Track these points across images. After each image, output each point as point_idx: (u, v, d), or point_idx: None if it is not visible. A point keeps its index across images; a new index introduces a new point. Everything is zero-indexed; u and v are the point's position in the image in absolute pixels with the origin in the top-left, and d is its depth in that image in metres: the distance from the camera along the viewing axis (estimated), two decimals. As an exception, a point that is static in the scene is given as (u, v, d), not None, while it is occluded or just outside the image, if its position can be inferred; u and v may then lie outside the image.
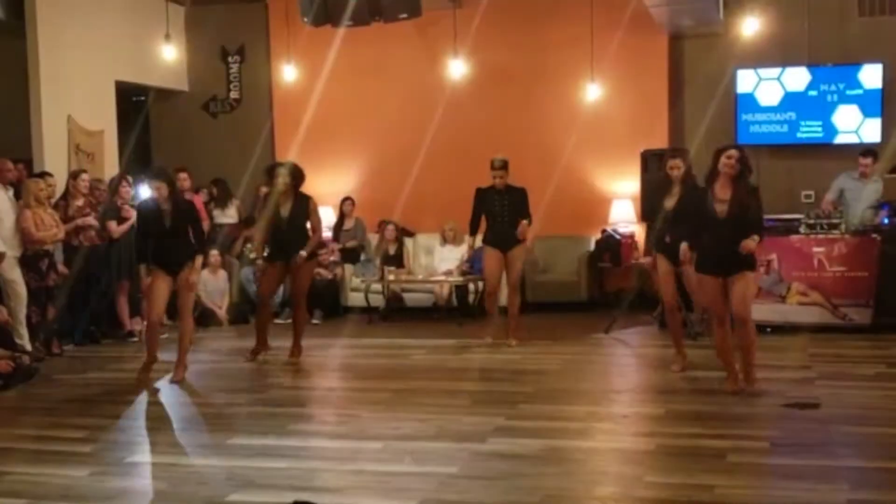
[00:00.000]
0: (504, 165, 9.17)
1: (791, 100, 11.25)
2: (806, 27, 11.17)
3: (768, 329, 9.47)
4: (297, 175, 8.65)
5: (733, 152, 6.91)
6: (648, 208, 8.50)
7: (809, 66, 11.18)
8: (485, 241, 9.23)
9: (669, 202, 7.72)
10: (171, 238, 7.84)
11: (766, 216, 9.91)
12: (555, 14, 11.74)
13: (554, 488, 5.02)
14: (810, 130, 11.25)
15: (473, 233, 9.32)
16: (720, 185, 6.88)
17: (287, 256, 8.52)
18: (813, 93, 11.20)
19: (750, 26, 10.73)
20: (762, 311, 9.51)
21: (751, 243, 6.76)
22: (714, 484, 4.98)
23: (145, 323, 10.29)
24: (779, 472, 5.22)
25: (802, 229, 9.55)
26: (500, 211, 9.16)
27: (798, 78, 11.21)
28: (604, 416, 6.59)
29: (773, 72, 11.27)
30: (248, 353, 8.85)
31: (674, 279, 7.85)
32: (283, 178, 8.52)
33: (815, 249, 9.41)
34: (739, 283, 6.85)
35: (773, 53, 11.15)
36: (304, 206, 8.60)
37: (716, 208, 6.85)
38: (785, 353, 8.62)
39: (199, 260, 7.99)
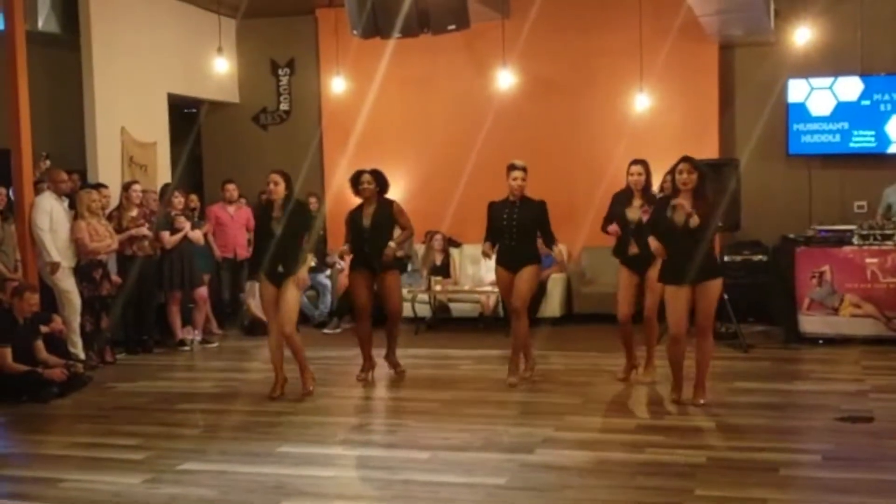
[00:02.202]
0: (524, 168, 8.03)
1: (843, 109, 11.11)
2: (858, 36, 11.03)
3: (820, 341, 9.37)
4: (383, 181, 8.42)
5: (683, 166, 6.95)
6: (608, 217, 8.08)
7: (862, 75, 11.04)
8: (496, 259, 8.15)
9: (632, 213, 7.82)
10: (278, 245, 7.56)
11: (820, 227, 9.92)
12: (603, 24, 11.70)
13: (603, 501, 5.01)
14: (863, 140, 11.10)
15: (492, 246, 8.21)
16: (680, 199, 6.93)
17: (371, 265, 8.26)
18: (866, 102, 11.04)
19: (801, 35, 10.62)
20: (814, 323, 9.44)
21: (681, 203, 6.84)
22: (766, 498, 4.94)
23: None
24: (832, 486, 5.15)
25: (855, 240, 9.42)
26: (507, 226, 7.99)
27: (850, 87, 11.07)
28: (652, 429, 6.54)
29: (826, 81, 11.14)
30: (358, 373, 8.51)
31: (633, 291, 7.94)
32: (368, 185, 8.30)
33: (869, 261, 9.28)
34: (704, 298, 6.88)
35: (825, 63, 11.02)
36: (388, 211, 8.33)
37: (675, 219, 6.87)
38: (838, 365, 8.52)
39: (304, 270, 7.68)
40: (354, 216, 8.36)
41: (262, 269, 7.68)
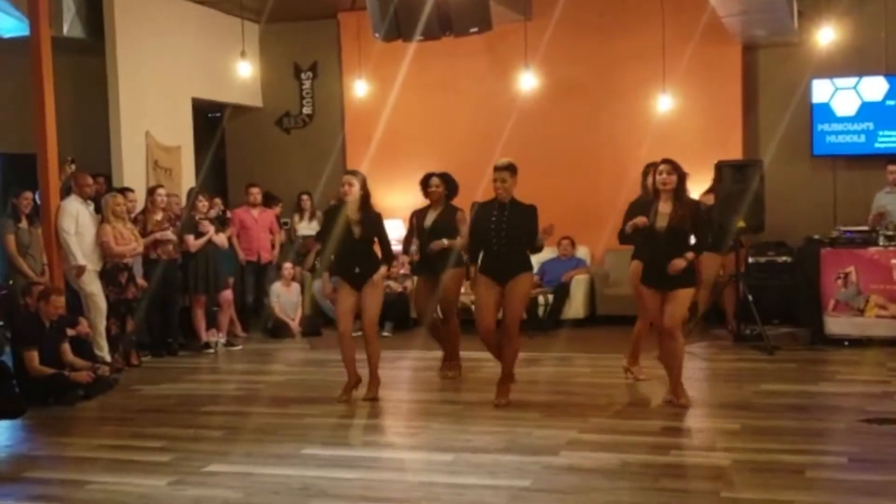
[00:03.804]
0: (508, 167, 7.21)
1: (868, 109, 11.03)
2: (883, 36, 10.96)
3: (846, 342, 9.31)
4: (452, 185, 8.50)
5: (662, 167, 6.98)
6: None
7: (887, 74, 10.96)
8: (479, 267, 7.35)
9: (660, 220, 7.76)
10: (358, 248, 7.47)
11: (845, 228, 9.83)
12: (626, 26, 11.68)
13: (628, 503, 4.98)
14: (888, 140, 11.01)
15: (472, 259, 7.46)
16: (662, 201, 6.96)
17: (433, 268, 8.29)
18: (891, 102, 10.96)
19: (825, 36, 10.56)
20: (840, 325, 9.38)
21: (679, 263, 6.81)
22: (792, 500, 4.92)
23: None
24: (858, 488, 5.12)
25: (881, 241, 9.37)
26: (494, 229, 7.15)
27: (875, 87, 11.00)
28: (677, 431, 6.53)
29: (850, 81, 11.07)
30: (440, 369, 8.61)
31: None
32: (436, 188, 8.42)
33: (894, 261, 9.21)
34: (671, 301, 6.91)
35: (850, 63, 10.95)
36: (452, 217, 8.41)
37: (656, 222, 6.91)
38: (863, 367, 8.46)
39: (383, 270, 7.60)
40: (418, 217, 8.49)
41: (340, 271, 7.63)
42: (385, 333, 11.09)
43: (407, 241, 8.66)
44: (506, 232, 7.14)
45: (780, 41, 11.19)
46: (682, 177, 6.96)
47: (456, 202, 8.64)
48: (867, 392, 7.42)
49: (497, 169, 7.22)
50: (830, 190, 11.17)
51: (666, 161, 7.01)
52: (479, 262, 7.32)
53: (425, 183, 8.55)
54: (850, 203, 10.98)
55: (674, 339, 7.02)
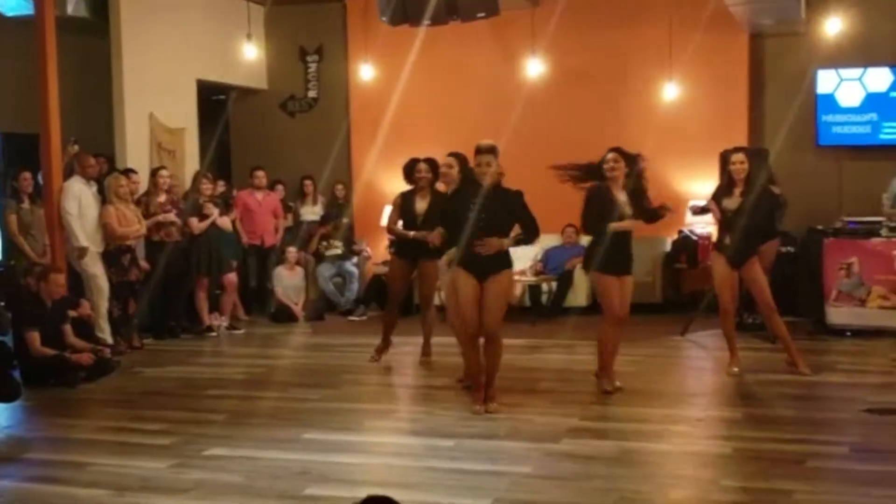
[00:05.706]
0: (493, 150, 6.61)
1: (873, 101, 10.99)
2: (890, 27, 10.91)
3: (848, 333, 9.31)
4: (438, 170, 8.30)
5: (609, 157, 7.10)
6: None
7: (892, 66, 10.91)
8: (457, 260, 6.73)
9: (730, 202, 7.75)
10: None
11: (849, 219, 9.82)
12: (633, 14, 11.63)
13: (628, 490, 4.99)
14: (893, 131, 10.98)
15: (454, 245, 6.90)
16: (615, 190, 7.10)
17: (414, 255, 8.19)
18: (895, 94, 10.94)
19: (832, 26, 10.53)
20: (842, 315, 9.38)
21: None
22: (793, 489, 4.91)
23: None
24: (859, 478, 5.12)
25: (883, 232, 9.36)
26: (474, 217, 6.47)
27: (880, 78, 10.94)
28: (679, 419, 6.52)
29: (855, 72, 11.02)
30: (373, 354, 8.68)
31: (733, 282, 7.86)
32: (425, 174, 8.22)
33: (897, 253, 9.21)
34: (628, 287, 7.25)
35: (855, 54, 10.90)
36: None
37: (617, 210, 7.04)
38: (865, 357, 8.48)
39: (445, 258, 7.35)
40: (405, 200, 8.25)
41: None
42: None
43: (393, 222, 8.45)
44: (485, 222, 6.49)
45: (786, 30, 11.14)
46: (628, 163, 7.07)
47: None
48: (869, 382, 7.43)
49: (481, 151, 6.58)
50: (835, 180, 11.13)
51: (613, 150, 7.15)
52: (457, 255, 6.76)
53: (411, 168, 8.32)
54: (855, 194, 10.94)
55: (623, 326, 7.30)
